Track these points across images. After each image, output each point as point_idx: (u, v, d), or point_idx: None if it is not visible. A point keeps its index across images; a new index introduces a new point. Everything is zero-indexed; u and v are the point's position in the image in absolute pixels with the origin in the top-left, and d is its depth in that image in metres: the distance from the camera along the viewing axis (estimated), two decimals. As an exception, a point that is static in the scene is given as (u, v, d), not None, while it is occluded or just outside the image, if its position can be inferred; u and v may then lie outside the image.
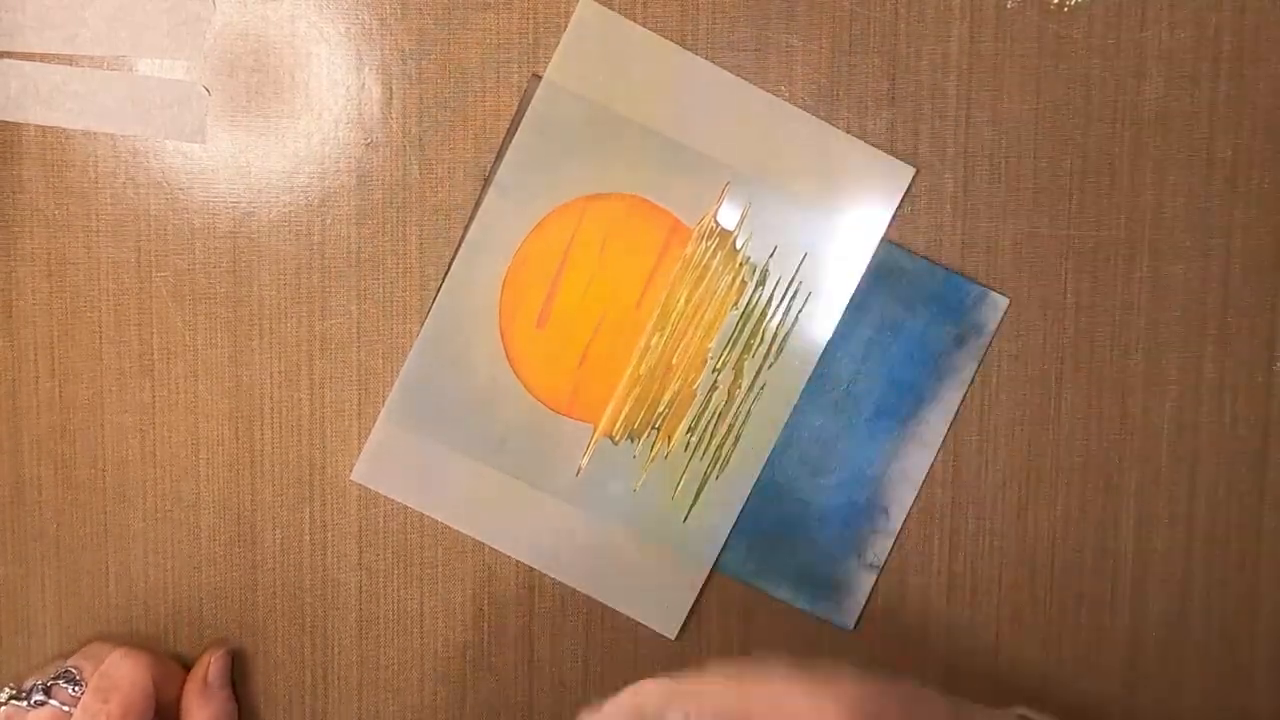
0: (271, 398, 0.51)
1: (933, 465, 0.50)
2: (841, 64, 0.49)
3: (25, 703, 0.45)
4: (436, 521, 0.51)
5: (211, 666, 0.49)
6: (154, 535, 0.51)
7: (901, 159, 0.49)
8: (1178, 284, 0.49)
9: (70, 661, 0.47)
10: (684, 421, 0.50)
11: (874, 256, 0.49)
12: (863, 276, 0.49)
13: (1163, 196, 0.49)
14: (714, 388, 0.50)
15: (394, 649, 0.51)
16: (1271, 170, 0.49)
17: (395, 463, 0.50)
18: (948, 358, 0.49)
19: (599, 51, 0.49)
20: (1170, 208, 0.49)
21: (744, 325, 0.50)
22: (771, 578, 0.50)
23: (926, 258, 0.49)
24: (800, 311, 0.49)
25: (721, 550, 0.50)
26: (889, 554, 0.50)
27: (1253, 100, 0.48)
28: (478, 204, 0.50)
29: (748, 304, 0.49)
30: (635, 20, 0.49)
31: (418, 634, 0.51)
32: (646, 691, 0.37)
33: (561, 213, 0.50)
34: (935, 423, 0.50)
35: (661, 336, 0.50)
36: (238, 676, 0.52)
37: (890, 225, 0.49)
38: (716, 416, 0.50)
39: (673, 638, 0.51)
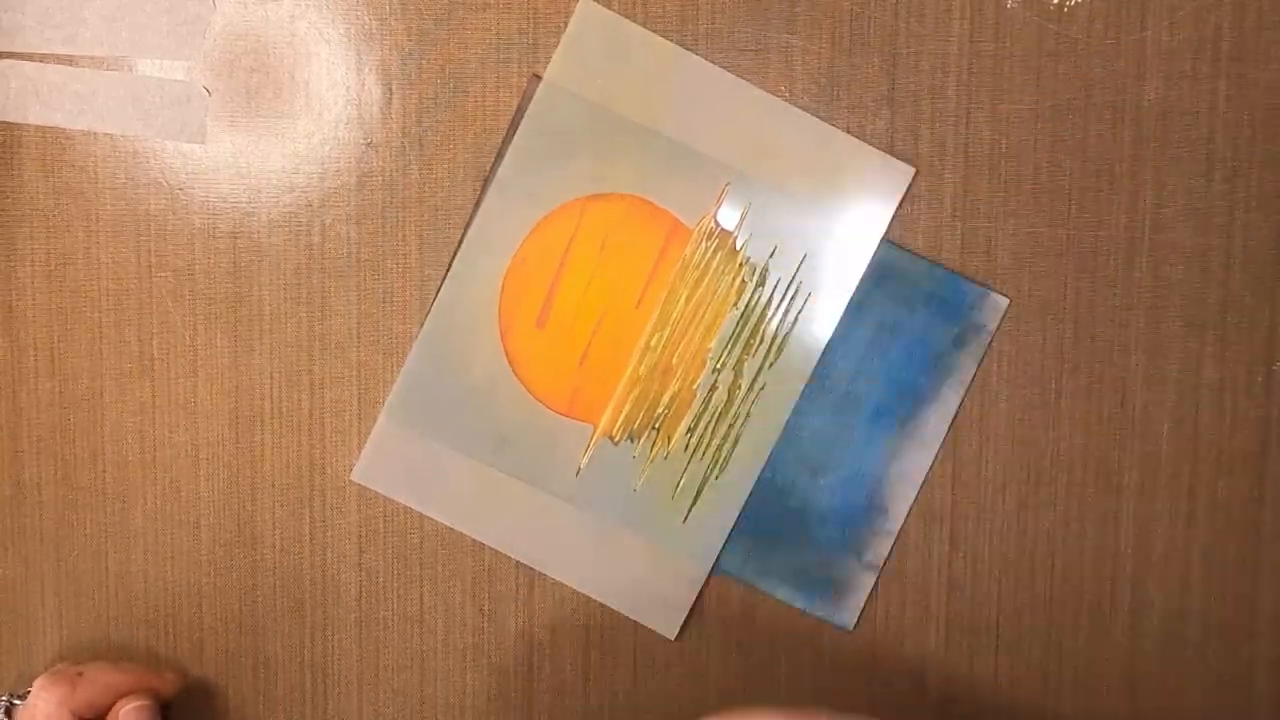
0: (271, 398, 0.51)
1: (933, 465, 0.50)
2: (841, 64, 0.49)
3: None
4: (436, 521, 0.51)
5: (121, 717, 0.47)
6: (154, 535, 0.51)
7: (901, 159, 0.49)
8: (1178, 284, 0.49)
9: (35, 682, 0.48)
10: (684, 422, 0.50)
11: (874, 256, 0.49)
12: (863, 276, 0.49)
13: (1163, 196, 0.49)
14: (714, 388, 0.50)
15: (394, 649, 0.51)
16: (1271, 170, 0.49)
17: (395, 463, 0.50)
18: (948, 358, 0.49)
19: (599, 51, 0.49)
20: (1170, 208, 0.49)
21: (744, 325, 0.50)
22: (771, 578, 0.50)
23: (926, 258, 0.49)
24: (800, 311, 0.49)
25: (721, 550, 0.50)
26: (889, 554, 0.50)
27: (1253, 100, 0.48)
28: (478, 204, 0.50)
29: (748, 304, 0.49)
30: (635, 20, 0.49)
31: (418, 634, 0.51)
32: None
33: (561, 213, 0.50)
34: (935, 423, 0.50)
35: (661, 336, 0.50)
36: (235, 679, 0.52)
37: (890, 225, 0.49)
38: (716, 417, 0.50)
39: (673, 638, 0.51)
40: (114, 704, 0.48)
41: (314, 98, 0.50)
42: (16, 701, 0.48)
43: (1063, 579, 0.50)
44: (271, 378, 0.51)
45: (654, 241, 0.49)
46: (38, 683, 0.47)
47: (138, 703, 0.47)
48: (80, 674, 0.48)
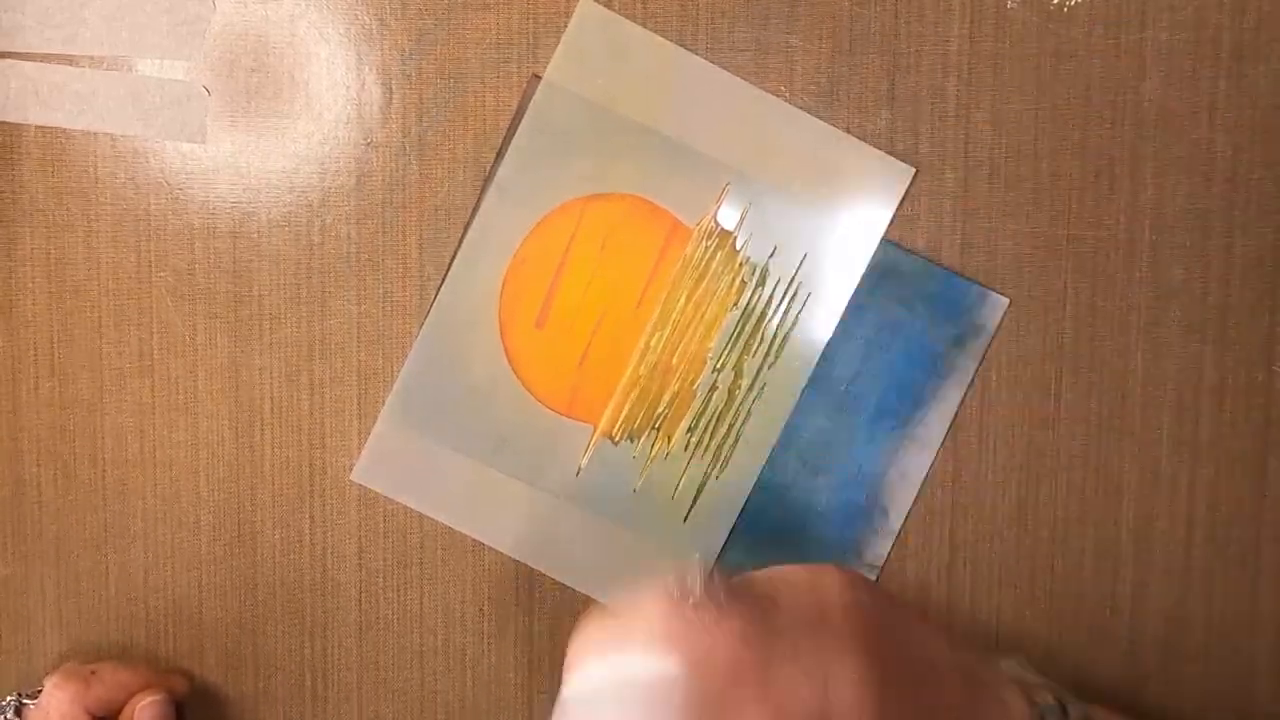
0: (271, 398, 0.51)
1: (933, 465, 0.50)
2: (841, 64, 0.49)
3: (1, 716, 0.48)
4: (436, 521, 0.51)
5: (138, 713, 0.48)
6: (154, 535, 0.51)
7: (901, 159, 0.49)
8: (1178, 284, 0.49)
9: (48, 680, 0.48)
10: (684, 421, 0.50)
11: (874, 256, 0.49)
12: (863, 276, 0.49)
13: (1163, 196, 0.49)
14: (714, 388, 0.50)
15: (394, 649, 0.51)
16: (1271, 170, 0.49)
17: (395, 463, 0.50)
18: (948, 358, 0.49)
19: (599, 51, 0.49)
20: (1170, 208, 0.49)
21: (744, 325, 0.50)
22: (771, 578, 0.50)
23: (926, 258, 0.49)
24: (800, 311, 0.49)
25: (721, 550, 0.50)
26: (889, 554, 0.50)
27: (1253, 100, 0.48)
28: (478, 204, 0.50)
29: (748, 304, 0.49)
30: (635, 20, 0.49)
31: (418, 634, 0.51)
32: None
33: (561, 213, 0.50)
34: (935, 423, 0.50)
35: (661, 336, 0.50)
36: (235, 679, 0.52)
37: (890, 225, 0.49)
38: (716, 416, 0.50)
39: (673, 638, 0.51)
40: (126, 702, 0.48)
41: (314, 98, 0.50)
42: (27, 701, 0.48)
43: (1063, 579, 0.50)
44: (271, 378, 0.51)
45: (654, 241, 0.49)
46: (51, 680, 0.47)
47: (154, 697, 0.48)
48: (93, 672, 0.48)
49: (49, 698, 0.47)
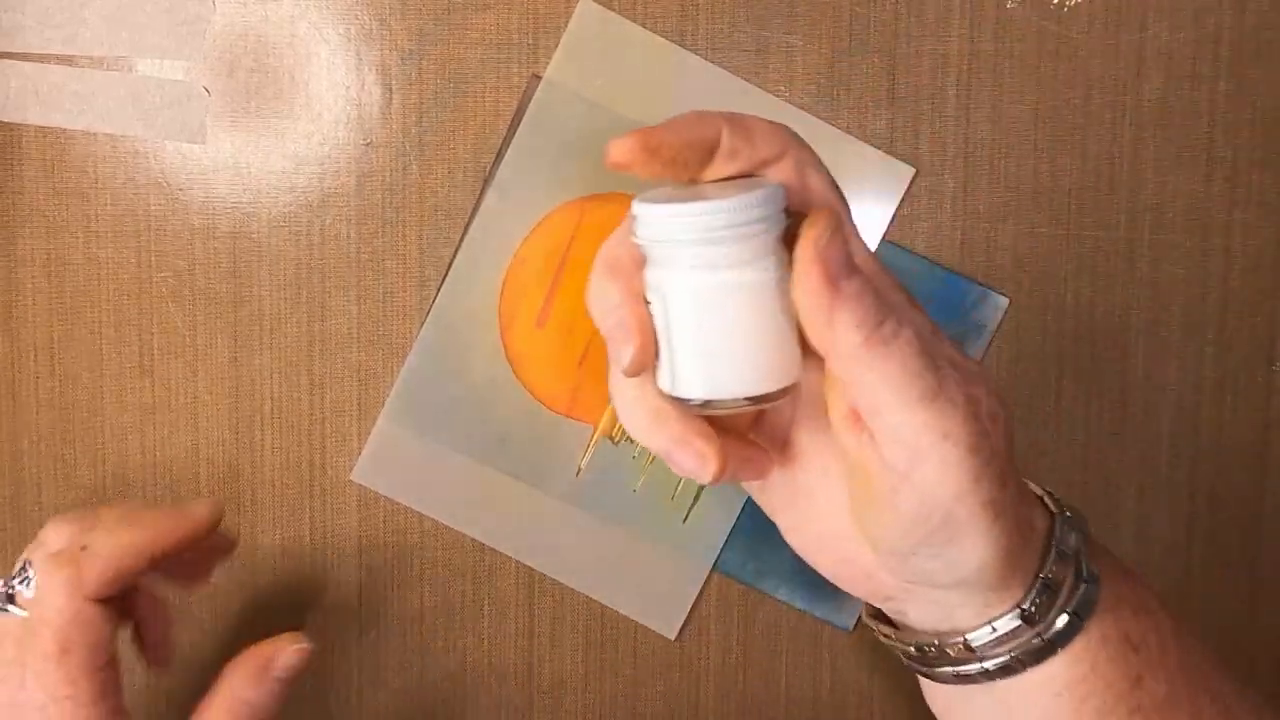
0: (271, 398, 0.51)
1: (933, 465, 0.50)
2: (841, 64, 0.49)
3: None
4: (436, 521, 0.51)
5: (280, 656, 0.41)
6: (154, 535, 0.51)
7: (901, 159, 0.49)
8: (1178, 284, 0.49)
9: (26, 553, 0.41)
10: (684, 421, 0.50)
11: (874, 256, 0.49)
12: (863, 276, 0.49)
13: (1163, 196, 0.49)
14: (714, 388, 0.50)
15: (394, 649, 0.51)
16: (1271, 170, 0.49)
17: (395, 463, 0.50)
18: (948, 358, 0.49)
19: (599, 51, 0.49)
20: (1170, 208, 0.49)
21: (744, 325, 0.49)
22: (771, 578, 0.50)
23: (926, 258, 0.49)
24: (800, 311, 0.49)
25: (721, 550, 0.50)
26: (889, 554, 0.50)
27: (1253, 100, 0.48)
28: (478, 204, 0.50)
29: (748, 304, 0.49)
30: (635, 20, 0.49)
31: (418, 634, 0.51)
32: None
33: (561, 213, 0.50)
34: (935, 423, 0.49)
35: (661, 336, 0.50)
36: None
37: (890, 225, 0.49)
38: (716, 416, 0.50)
39: (673, 638, 0.51)
40: (135, 570, 0.40)
41: (314, 98, 0.50)
42: (18, 586, 0.40)
43: (1063, 579, 0.50)
44: (271, 378, 0.51)
45: (654, 241, 0.49)
46: (37, 569, 0.40)
47: (299, 645, 0.41)
48: (84, 548, 0.40)
49: (42, 593, 0.39)
